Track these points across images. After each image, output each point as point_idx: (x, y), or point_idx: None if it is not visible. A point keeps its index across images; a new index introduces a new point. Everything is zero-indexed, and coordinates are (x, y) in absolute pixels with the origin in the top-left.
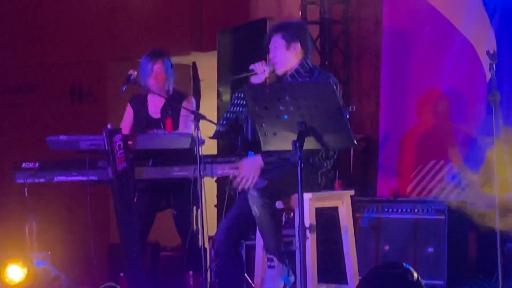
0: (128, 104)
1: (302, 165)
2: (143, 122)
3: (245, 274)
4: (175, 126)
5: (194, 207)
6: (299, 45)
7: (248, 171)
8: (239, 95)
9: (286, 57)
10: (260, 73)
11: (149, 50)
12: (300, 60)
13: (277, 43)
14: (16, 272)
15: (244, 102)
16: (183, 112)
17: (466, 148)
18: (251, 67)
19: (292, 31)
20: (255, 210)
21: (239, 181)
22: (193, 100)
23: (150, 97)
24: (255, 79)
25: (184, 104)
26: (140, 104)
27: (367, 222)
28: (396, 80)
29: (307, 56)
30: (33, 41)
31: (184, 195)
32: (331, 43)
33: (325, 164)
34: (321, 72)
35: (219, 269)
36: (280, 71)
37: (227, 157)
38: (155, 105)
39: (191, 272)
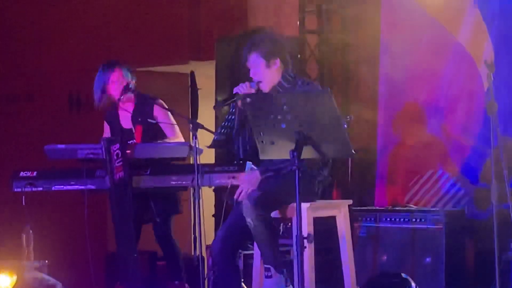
0: (104, 121)
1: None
2: (118, 135)
3: (242, 284)
4: (146, 132)
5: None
6: (278, 60)
7: (245, 185)
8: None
9: (268, 75)
10: None
11: (102, 64)
12: (282, 73)
13: (255, 62)
14: (5, 281)
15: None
16: (160, 119)
17: (463, 158)
18: (235, 90)
19: (269, 48)
20: (250, 221)
21: (237, 195)
22: (163, 103)
23: (120, 110)
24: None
25: (156, 109)
26: (113, 119)
27: (365, 231)
28: (394, 89)
29: (288, 67)
30: (31, 49)
31: (165, 203)
32: (329, 53)
33: (321, 172)
34: (304, 82)
35: (216, 279)
36: (265, 89)
37: (225, 167)
38: (125, 117)
39: (176, 282)
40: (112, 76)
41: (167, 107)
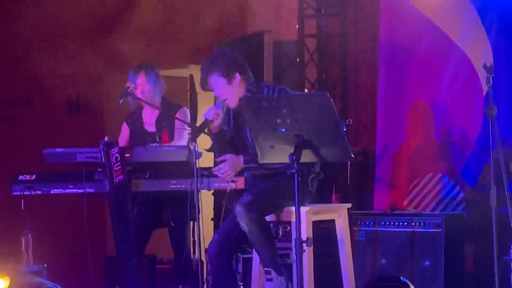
0: (124, 122)
1: (299, 178)
2: (140, 137)
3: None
4: (172, 137)
5: (191, 221)
6: (237, 74)
7: (229, 165)
8: None
9: (231, 91)
10: (215, 119)
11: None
12: (246, 86)
13: (216, 82)
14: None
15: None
16: (177, 124)
17: (463, 161)
18: (204, 116)
19: (226, 66)
20: (244, 226)
21: (217, 170)
22: (187, 110)
23: (144, 112)
24: (214, 127)
25: (178, 115)
26: (135, 121)
27: (364, 235)
28: (393, 93)
29: (249, 78)
30: (30, 53)
31: (182, 208)
32: (328, 57)
33: (312, 169)
34: (270, 87)
35: (213, 282)
36: (233, 106)
37: None
38: (149, 119)
39: (180, 286)
40: (137, 79)
41: (188, 118)
